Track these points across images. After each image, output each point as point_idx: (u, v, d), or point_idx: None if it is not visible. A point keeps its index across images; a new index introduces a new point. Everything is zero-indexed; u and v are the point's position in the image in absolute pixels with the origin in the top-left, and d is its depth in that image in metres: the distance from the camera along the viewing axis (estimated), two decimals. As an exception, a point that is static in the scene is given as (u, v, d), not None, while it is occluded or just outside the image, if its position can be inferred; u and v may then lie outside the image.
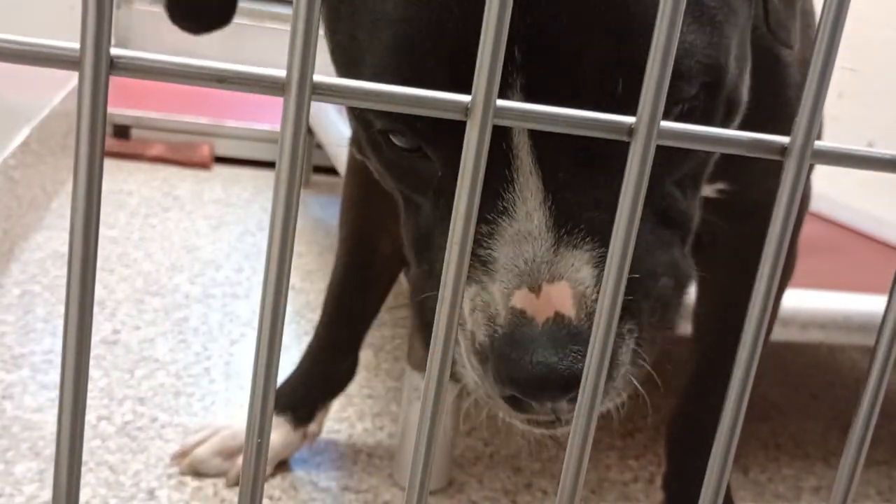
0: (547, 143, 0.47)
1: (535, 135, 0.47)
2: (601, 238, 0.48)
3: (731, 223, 0.80)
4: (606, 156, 0.48)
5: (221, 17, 0.54)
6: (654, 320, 0.53)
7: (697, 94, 0.49)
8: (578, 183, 0.48)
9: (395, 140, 0.51)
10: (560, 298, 0.46)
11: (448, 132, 0.47)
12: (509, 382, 0.46)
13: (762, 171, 0.72)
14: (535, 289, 0.47)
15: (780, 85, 0.68)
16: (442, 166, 0.50)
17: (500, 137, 0.47)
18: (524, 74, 0.45)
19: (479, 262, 0.49)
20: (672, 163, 0.53)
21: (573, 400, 0.47)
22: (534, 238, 0.47)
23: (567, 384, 0.45)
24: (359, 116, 0.54)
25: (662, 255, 0.53)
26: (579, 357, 0.45)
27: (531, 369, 0.45)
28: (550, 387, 0.45)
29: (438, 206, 0.52)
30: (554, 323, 0.46)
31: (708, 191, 0.75)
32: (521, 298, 0.47)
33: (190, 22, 0.54)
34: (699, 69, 0.48)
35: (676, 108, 0.49)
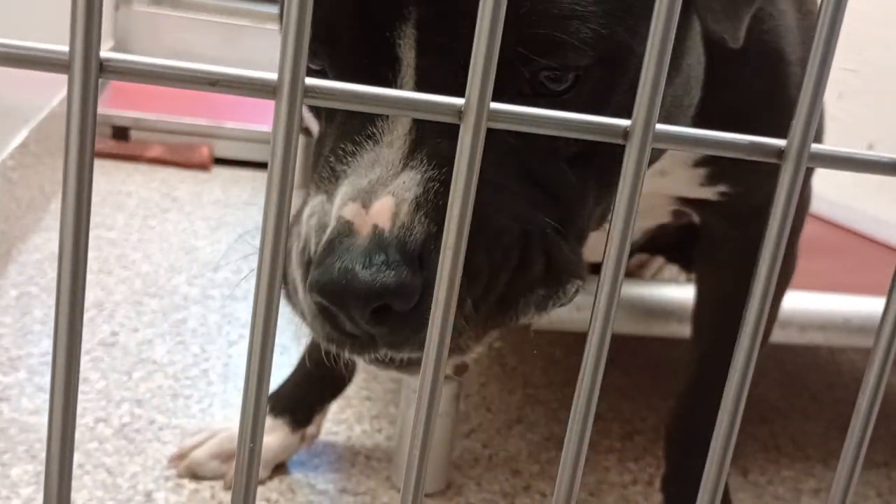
0: (433, 79, 0.48)
1: (420, 67, 0.48)
2: (440, 160, 0.48)
3: (732, 226, 0.80)
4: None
5: None
6: (484, 301, 0.51)
7: (591, 67, 0.49)
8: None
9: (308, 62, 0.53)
10: (381, 212, 0.47)
11: (346, 62, 0.49)
12: (314, 287, 0.47)
13: (765, 174, 0.72)
14: (368, 205, 0.47)
15: (781, 85, 0.68)
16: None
17: (387, 64, 0.48)
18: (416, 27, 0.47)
19: (334, 176, 0.50)
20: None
21: (397, 324, 0.47)
22: (385, 162, 0.48)
23: (368, 292, 0.45)
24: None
25: (530, 231, 0.51)
26: (384, 268, 0.45)
27: (333, 275, 0.45)
28: (349, 293, 0.45)
29: (330, 123, 0.54)
30: (372, 235, 0.46)
31: (709, 193, 0.75)
32: (350, 210, 0.47)
33: None
34: (591, 38, 0.47)
35: (560, 80, 0.49)
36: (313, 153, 0.56)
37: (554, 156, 0.52)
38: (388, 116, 0.49)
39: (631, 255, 1.10)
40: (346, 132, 0.51)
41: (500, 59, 0.45)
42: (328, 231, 0.48)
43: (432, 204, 0.47)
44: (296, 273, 0.51)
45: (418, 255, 0.46)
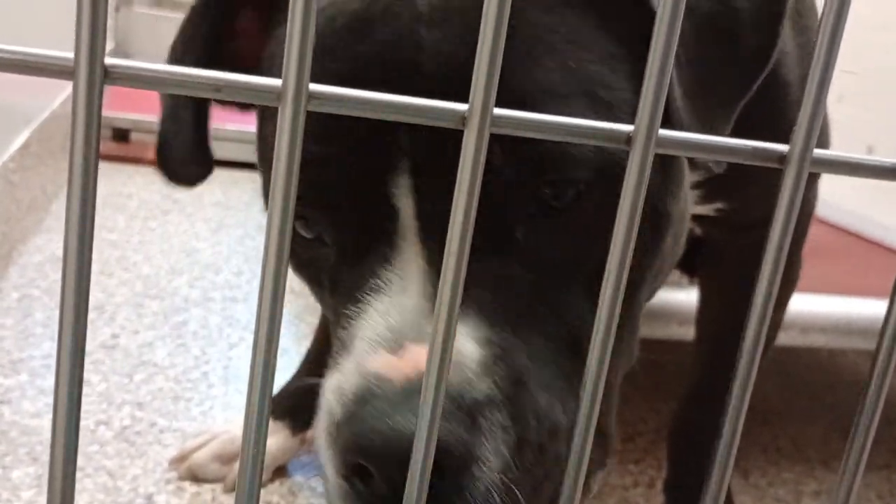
0: (433, 224, 0.44)
1: (422, 215, 0.45)
2: (485, 315, 0.43)
3: (734, 234, 0.80)
4: (497, 239, 0.46)
5: (202, 175, 0.62)
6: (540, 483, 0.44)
7: (592, 182, 0.46)
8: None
9: (299, 228, 0.49)
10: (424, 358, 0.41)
11: (343, 221, 0.46)
12: (354, 447, 0.40)
13: (762, 190, 0.71)
14: (397, 349, 0.42)
15: (779, 108, 0.67)
16: (337, 253, 0.49)
17: (385, 216, 0.45)
18: None
19: (342, 346, 0.45)
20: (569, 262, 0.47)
21: (447, 486, 0.40)
22: (404, 307, 0.43)
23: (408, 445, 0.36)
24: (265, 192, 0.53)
25: (568, 410, 0.45)
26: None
27: (375, 433, 0.38)
28: (391, 455, 0.38)
29: (335, 292, 0.49)
30: (413, 382, 0.40)
31: (706, 210, 0.75)
32: (378, 361, 0.41)
33: (178, 179, 0.62)
34: (590, 152, 0.45)
35: (562, 196, 0.46)
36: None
37: (572, 283, 0.48)
38: (389, 263, 0.45)
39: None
40: (347, 294, 0.47)
41: (503, 183, 0.44)
42: (352, 387, 0.42)
43: (493, 366, 0.42)
44: (325, 454, 0.44)
45: (472, 416, 0.40)
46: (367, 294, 0.45)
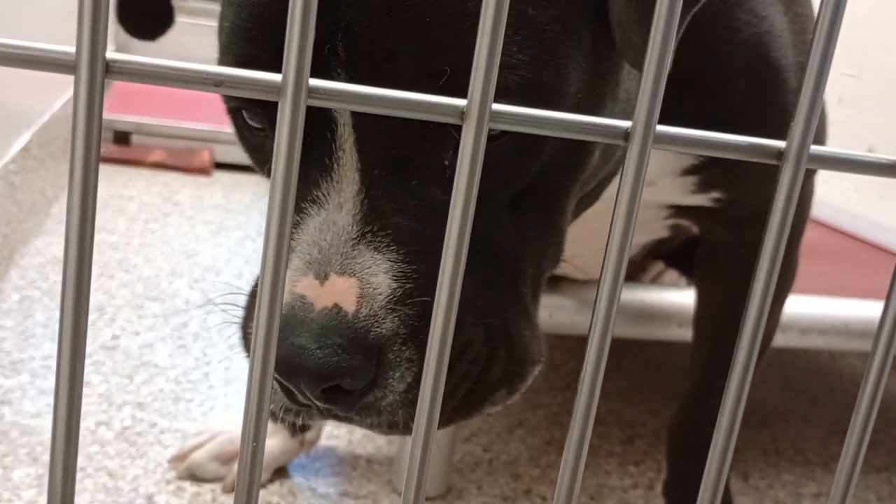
0: (371, 138, 0.47)
1: (359, 128, 0.47)
2: (408, 252, 0.47)
3: (731, 231, 0.80)
4: (427, 163, 0.48)
5: (162, 27, 0.61)
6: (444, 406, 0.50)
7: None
8: (395, 183, 0.48)
9: (247, 118, 0.52)
10: (344, 292, 0.46)
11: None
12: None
13: (759, 179, 0.71)
14: (321, 277, 0.46)
15: (770, 92, 0.67)
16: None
17: (325, 128, 0.47)
18: (346, 61, 0.45)
19: None
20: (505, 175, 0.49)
21: (347, 402, 0.46)
22: (337, 228, 0.47)
23: (320, 373, 0.44)
24: (222, 95, 0.55)
25: (492, 328, 0.50)
26: (340, 351, 0.44)
27: (288, 350, 0.44)
28: (302, 372, 0.44)
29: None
30: (330, 312, 0.45)
31: (703, 200, 0.75)
32: (304, 285, 0.46)
33: (139, 33, 0.61)
34: (518, 85, 0.46)
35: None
36: None
37: (494, 204, 0.50)
38: (332, 177, 0.47)
39: (633, 273, 1.09)
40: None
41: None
42: (283, 304, 0.46)
43: (402, 303, 0.46)
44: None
45: (378, 349, 0.46)
46: (308, 203, 0.48)
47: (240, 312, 0.56)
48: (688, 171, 0.71)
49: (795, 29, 0.69)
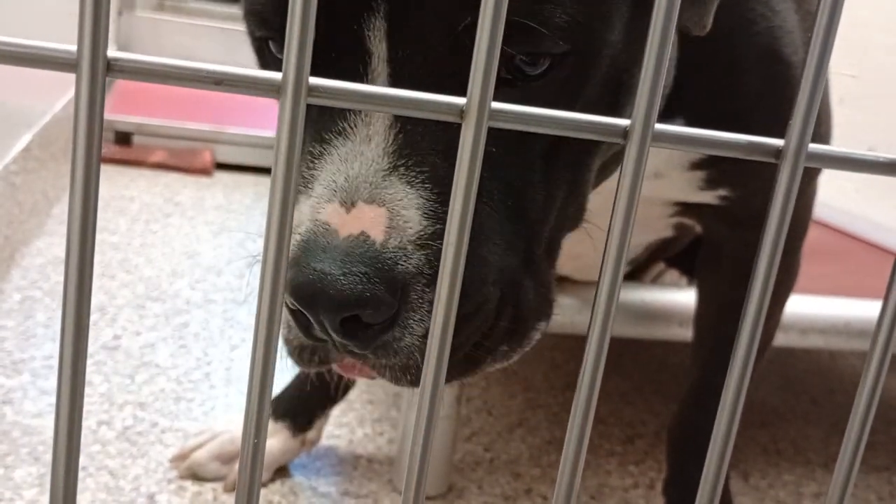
0: (409, 75, 0.45)
1: (395, 63, 0.45)
2: (440, 192, 0.45)
3: (734, 231, 0.80)
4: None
5: None
6: (464, 340, 0.47)
7: (566, 55, 0.47)
8: (435, 122, 0.45)
9: (273, 49, 0.50)
10: (373, 220, 0.44)
11: (315, 56, 0.49)
12: (288, 288, 0.43)
13: (768, 177, 0.71)
14: (348, 204, 0.44)
15: (780, 87, 0.67)
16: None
17: (356, 59, 0.46)
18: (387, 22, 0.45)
19: (303, 184, 0.46)
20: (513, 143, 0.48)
21: (365, 337, 0.44)
22: (366, 159, 0.45)
23: (343, 301, 0.42)
24: (246, 24, 0.53)
25: (502, 268, 0.48)
26: (365, 279, 0.42)
27: (309, 275, 0.42)
28: (323, 298, 0.42)
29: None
30: (356, 240, 0.43)
31: (709, 197, 0.75)
32: (329, 212, 0.44)
33: None
34: (564, 25, 0.45)
35: (536, 64, 0.46)
36: None
37: (525, 153, 0.49)
38: (359, 110, 0.45)
39: (635, 272, 1.09)
40: (314, 132, 0.47)
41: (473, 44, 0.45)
42: (303, 230, 0.45)
43: (432, 240, 0.45)
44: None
45: (402, 285, 0.44)
46: (332, 134, 0.46)
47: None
48: (697, 166, 0.71)
49: (805, 27, 0.69)
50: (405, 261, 0.44)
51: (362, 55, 0.46)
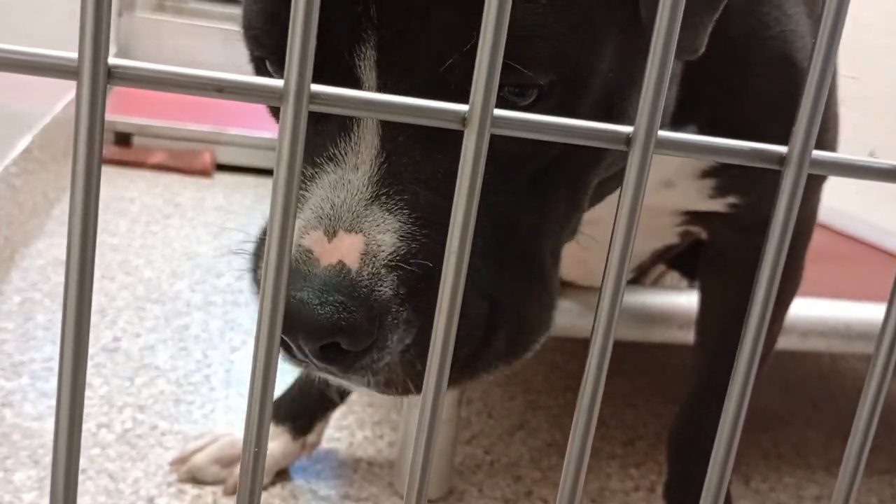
0: None
1: (386, 91, 0.46)
2: (419, 217, 0.47)
3: (738, 236, 0.79)
4: (454, 137, 0.47)
5: None
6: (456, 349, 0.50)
7: (554, 84, 0.47)
8: (416, 153, 0.47)
9: (270, 69, 0.52)
10: (349, 248, 0.46)
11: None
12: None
13: (776, 184, 0.70)
14: (330, 233, 0.46)
15: (792, 92, 0.67)
16: None
17: (347, 84, 0.45)
18: (377, 30, 0.45)
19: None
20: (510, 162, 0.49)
21: (345, 363, 0.46)
22: (352, 188, 0.47)
23: (320, 329, 0.44)
24: (245, 43, 0.54)
25: (498, 303, 0.50)
26: (342, 308, 0.44)
27: (289, 304, 0.43)
28: (301, 326, 0.44)
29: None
30: (334, 269, 0.45)
31: (718, 205, 0.74)
32: (312, 239, 0.46)
33: None
34: (552, 56, 0.46)
35: (524, 95, 0.47)
36: None
37: (519, 181, 0.50)
38: (350, 137, 0.47)
39: (637, 278, 1.09)
40: (307, 154, 0.48)
41: (466, 78, 0.45)
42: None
43: (404, 261, 0.46)
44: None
45: (378, 311, 0.45)
46: (324, 160, 0.48)
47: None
48: (707, 174, 0.70)
49: (816, 32, 0.68)
50: (380, 285, 0.46)
51: (352, 84, 0.47)
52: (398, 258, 0.46)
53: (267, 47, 0.50)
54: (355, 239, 0.46)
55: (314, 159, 0.48)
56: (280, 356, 0.49)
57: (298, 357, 0.47)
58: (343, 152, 0.47)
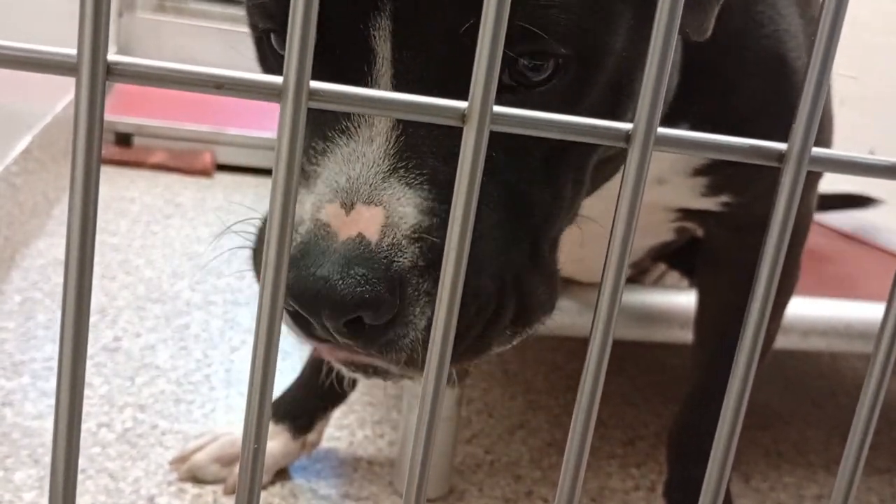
0: (413, 79, 0.46)
1: (400, 64, 0.46)
2: (438, 192, 0.46)
3: (735, 235, 0.79)
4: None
5: None
6: (465, 328, 0.48)
7: (570, 59, 0.47)
8: (433, 125, 0.46)
9: (276, 44, 0.51)
10: (369, 220, 0.45)
11: (319, 54, 0.49)
12: (288, 292, 0.43)
13: (770, 183, 0.71)
14: (347, 206, 0.45)
15: (785, 91, 0.67)
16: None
17: (361, 58, 0.46)
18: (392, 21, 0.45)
19: (305, 178, 0.47)
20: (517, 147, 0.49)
21: (369, 337, 0.45)
22: (367, 160, 0.46)
23: (344, 304, 0.43)
24: (249, 17, 0.54)
25: (504, 279, 0.50)
26: (363, 281, 0.43)
27: (309, 281, 0.43)
28: (324, 303, 0.43)
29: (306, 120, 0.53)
30: (353, 242, 0.44)
31: (711, 204, 0.75)
32: (329, 212, 0.45)
33: None
34: (570, 28, 0.46)
35: (540, 69, 0.47)
36: None
37: (524, 154, 0.50)
38: None
39: (638, 277, 1.09)
40: (317, 127, 0.48)
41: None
42: (303, 231, 0.45)
43: (427, 234, 0.45)
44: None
45: (399, 281, 0.45)
46: (335, 133, 0.47)
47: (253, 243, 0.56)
48: (699, 171, 0.71)
49: (809, 32, 0.69)
50: (400, 256, 0.45)
51: (366, 55, 0.46)
52: (420, 230, 0.45)
53: (275, 18, 0.49)
54: (375, 211, 0.45)
55: (325, 132, 0.47)
56: (300, 337, 0.48)
57: (318, 335, 0.47)
58: (356, 125, 0.46)
